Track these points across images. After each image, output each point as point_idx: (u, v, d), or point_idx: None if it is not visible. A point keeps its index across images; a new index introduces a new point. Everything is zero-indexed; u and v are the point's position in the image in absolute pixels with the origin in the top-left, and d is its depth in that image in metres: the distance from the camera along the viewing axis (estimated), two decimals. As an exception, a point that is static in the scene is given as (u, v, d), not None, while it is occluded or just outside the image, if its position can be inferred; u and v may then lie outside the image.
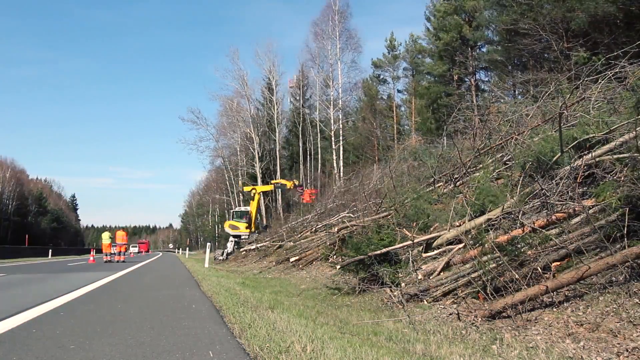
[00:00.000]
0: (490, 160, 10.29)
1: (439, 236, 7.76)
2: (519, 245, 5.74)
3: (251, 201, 29.36)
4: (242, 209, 30.28)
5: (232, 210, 31.74)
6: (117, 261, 21.36)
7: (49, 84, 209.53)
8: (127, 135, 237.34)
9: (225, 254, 26.06)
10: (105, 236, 22.72)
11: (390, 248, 7.59)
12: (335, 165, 31.40)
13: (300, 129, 37.28)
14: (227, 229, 28.15)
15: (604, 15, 14.08)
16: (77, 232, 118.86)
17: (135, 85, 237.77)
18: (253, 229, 27.49)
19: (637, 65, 8.14)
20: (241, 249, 24.71)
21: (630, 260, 4.44)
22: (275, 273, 14.01)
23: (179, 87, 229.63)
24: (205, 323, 4.48)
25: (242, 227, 27.08)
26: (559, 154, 6.91)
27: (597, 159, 6.30)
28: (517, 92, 20.44)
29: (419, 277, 6.74)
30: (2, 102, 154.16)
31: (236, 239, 27.26)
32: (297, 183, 28.26)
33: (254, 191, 29.21)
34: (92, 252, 25.70)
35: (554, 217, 6.12)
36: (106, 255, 22.06)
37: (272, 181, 30.81)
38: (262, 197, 31.84)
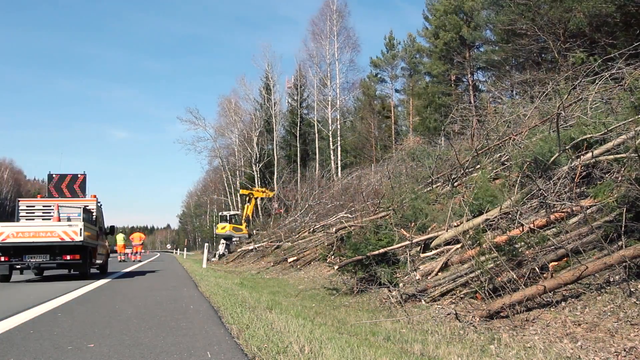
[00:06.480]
0: (488, 161, 10.31)
1: (437, 236, 7.76)
2: (517, 245, 5.75)
3: (247, 204, 29.61)
4: (225, 213, 30.55)
5: (219, 214, 32.15)
6: (133, 260, 23.97)
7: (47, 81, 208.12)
8: (126, 135, 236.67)
9: (217, 256, 26.51)
10: (120, 237, 24.69)
11: (388, 248, 7.59)
12: (333, 165, 31.35)
13: (298, 129, 37.22)
14: (218, 232, 28.58)
15: (602, 16, 14.10)
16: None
17: (135, 83, 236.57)
18: (245, 232, 27.70)
19: (634, 66, 8.17)
20: (231, 252, 25.47)
21: (628, 260, 4.45)
22: (273, 273, 14.01)
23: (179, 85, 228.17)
24: (203, 323, 4.47)
25: (227, 228, 27.47)
26: (557, 154, 6.93)
27: (595, 159, 6.32)
28: (514, 93, 20.44)
29: (417, 278, 6.76)
30: (1, 102, 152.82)
31: (227, 242, 27.53)
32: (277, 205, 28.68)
33: (250, 195, 30.03)
34: None
35: (552, 217, 6.13)
36: (120, 255, 24.35)
37: (271, 192, 31.34)
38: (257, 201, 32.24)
